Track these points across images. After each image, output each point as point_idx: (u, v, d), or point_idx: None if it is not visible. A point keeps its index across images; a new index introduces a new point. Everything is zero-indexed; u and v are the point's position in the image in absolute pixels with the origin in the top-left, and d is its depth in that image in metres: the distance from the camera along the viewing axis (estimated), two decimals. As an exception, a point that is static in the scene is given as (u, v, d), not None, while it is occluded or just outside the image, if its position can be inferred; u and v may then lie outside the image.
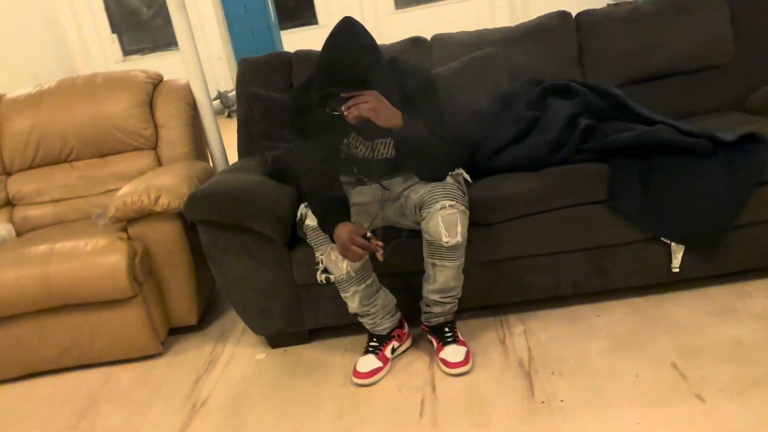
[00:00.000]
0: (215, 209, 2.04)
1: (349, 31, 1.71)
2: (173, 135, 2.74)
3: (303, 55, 2.67)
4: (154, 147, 2.75)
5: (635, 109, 2.23)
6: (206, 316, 2.56)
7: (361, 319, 2.04)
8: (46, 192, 2.71)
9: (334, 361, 2.14)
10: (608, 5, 2.74)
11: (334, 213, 1.82)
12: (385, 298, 2.02)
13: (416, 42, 2.67)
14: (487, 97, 2.42)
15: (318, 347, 2.24)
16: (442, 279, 1.91)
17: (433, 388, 1.90)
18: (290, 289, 2.15)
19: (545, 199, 2.06)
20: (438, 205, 1.80)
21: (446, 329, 2.03)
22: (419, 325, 2.15)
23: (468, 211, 1.86)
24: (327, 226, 1.81)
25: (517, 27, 2.64)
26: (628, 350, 1.93)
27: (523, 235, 2.08)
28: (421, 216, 1.86)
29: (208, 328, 2.50)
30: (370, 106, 1.70)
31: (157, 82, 2.82)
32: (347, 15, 1.80)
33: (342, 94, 1.69)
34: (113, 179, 2.71)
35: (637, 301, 2.17)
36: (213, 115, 2.89)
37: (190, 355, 2.33)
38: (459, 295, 1.98)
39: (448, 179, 1.91)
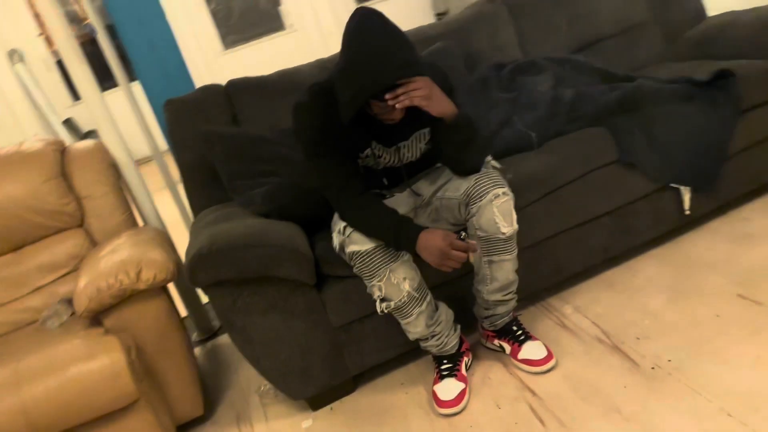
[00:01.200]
0: (233, 264, 1.70)
1: (376, 18, 1.50)
2: (102, 204, 2.28)
3: (241, 84, 2.37)
4: (81, 223, 2.27)
5: (607, 70, 2.28)
6: (206, 402, 2.14)
7: (425, 344, 1.82)
8: (-49, 311, 2.10)
9: (398, 400, 1.88)
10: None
11: (403, 224, 1.60)
12: (446, 312, 1.83)
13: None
14: (457, 88, 2.32)
15: (368, 393, 1.96)
16: (503, 275, 1.77)
17: (533, 392, 1.74)
18: (328, 335, 1.86)
19: (564, 172, 2.02)
20: (490, 195, 1.66)
21: (514, 327, 1.88)
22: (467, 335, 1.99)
23: (514, 196, 1.74)
24: (403, 240, 1.59)
25: (455, 19, 2.59)
26: (688, 297, 1.93)
27: (553, 213, 2.01)
28: (469, 212, 1.71)
29: (217, 414, 2.09)
30: (423, 93, 1.49)
31: (62, 149, 2.34)
32: (361, 6, 1.59)
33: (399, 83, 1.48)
34: (39, 273, 2.18)
35: (657, 252, 2.21)
36: (138, 172, 2.47)
37: (217, 450, 1.93)
38: (516, 288, 1.85)
39: (483, 168, 1.78)
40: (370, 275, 1.66)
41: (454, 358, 1.84)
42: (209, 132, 2.13)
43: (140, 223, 2.47)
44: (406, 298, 1.68)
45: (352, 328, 1.89)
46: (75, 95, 7.48)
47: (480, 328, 1.96)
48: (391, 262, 1.65)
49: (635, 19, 2.71)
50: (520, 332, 1.87)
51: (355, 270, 1.69)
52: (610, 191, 2.07)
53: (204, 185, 2.27)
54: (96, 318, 1.85)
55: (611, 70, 2.29)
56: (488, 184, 1.68)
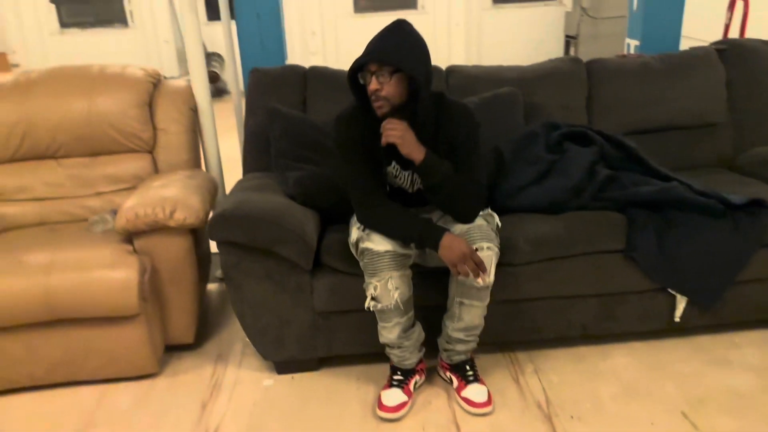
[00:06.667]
0: (245, 232, 1.97)
1: (404, 24, 1.81)
2: (173, 140, 2.61)
3: (319, 73, 2.62)
4: (151, 150, 2.61)
5: (650, 163, 2.34)
6: (199, 333, 2.45)
7: (390, 351, 2.02)
8: (28, 189, 2.50)
9: (348, 391, 2.11)
10: (616, 56, 2.86)
11: (429, 223, 1.84)
12: (419, 333, 2.02)
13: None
14: (506, 135, 2.46)
15: (328, 375, 2.20)
16: (469, 318, 1.93)
17: (458, 428, 1.92)
18: (308, 316, 2.11)
19: (569, 245, 2.12)
20: (475, 246, 1.82)
21: (467, 367, 2.05)
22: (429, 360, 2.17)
23: (499, 253, 1.89)
24: (429, 236, 1.81)
25: (533, 68, 2.71)
26: (639, 396, 2.02)
27: (544, 278, 2.13)
28: None
29: (204, 347, 2.40)
30: (397, 133, 1.80)
31: (156, 81, 2.67)
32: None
33: (371, 67, 1.76)
34: (104, 181, 2.55)
35: (637, 346, 2.28)
36: (213, 122, 2.78)
37: (190, 377, 2.23)
38: (480, 333, 2.01)
39: (480, 221, 1.94)
40: (373, 273, 1.86)
41: (408, 374, 2.04)
42: (274, 109, 2.39)
43: (203, 165, 2.80)
44: (392, 306, 1.89)
45: (331, 317, 2.12)
46: (210, 14, 8.02)
47: (439, 358, 2.14)
48: (394, 270, 1.85)
49: (710, 119, 2.71)
50: (471, 373, 2.04)
51: (362, 264, 1.90)
52: (605, 276, 2.16)
53: (258, 151, 2.55)
54: (129, 236, 2.17)
55: (654, 164, 2.34)
56: (477, 236, 1.85)
